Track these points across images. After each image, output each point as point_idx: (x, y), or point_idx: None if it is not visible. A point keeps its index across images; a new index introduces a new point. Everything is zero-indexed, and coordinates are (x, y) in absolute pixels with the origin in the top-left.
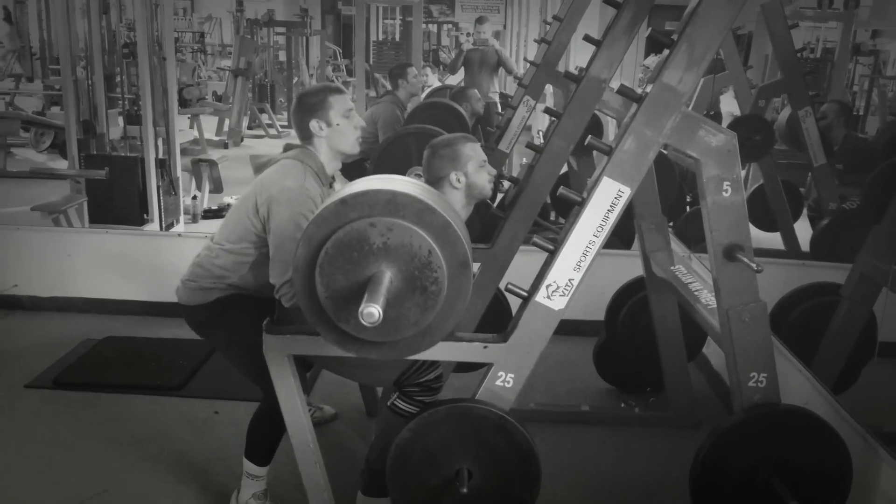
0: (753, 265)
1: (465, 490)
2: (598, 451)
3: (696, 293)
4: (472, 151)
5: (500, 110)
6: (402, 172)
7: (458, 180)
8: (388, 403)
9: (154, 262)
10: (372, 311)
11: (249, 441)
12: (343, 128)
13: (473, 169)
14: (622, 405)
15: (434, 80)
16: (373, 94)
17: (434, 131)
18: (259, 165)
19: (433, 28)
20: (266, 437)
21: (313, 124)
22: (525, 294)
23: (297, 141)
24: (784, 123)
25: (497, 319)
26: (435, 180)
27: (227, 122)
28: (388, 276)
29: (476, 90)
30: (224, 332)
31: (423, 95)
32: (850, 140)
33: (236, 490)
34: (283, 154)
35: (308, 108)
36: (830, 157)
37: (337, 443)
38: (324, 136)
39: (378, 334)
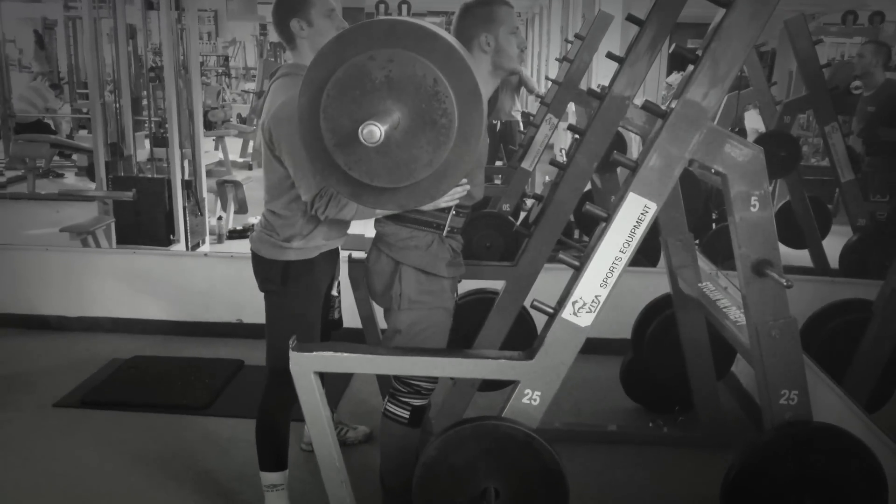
0: (783, 280)
1: None
2: (626, 471)
3: (724, 310)
4: (507, 16)
5: (522, 129)
6: None
7: (488, 44)
8: (383, 410)
9: (180, 282)
10: (372, 128)
11: (259, 449)
12: (325, 28)
13: (504, 34)
14: (650, 424)
15: None
16: None
17: None
18: (259, 104)
19: None
20: (273, 438)
21: (294, 24)
22: (551, 311)
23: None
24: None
25: (523, 337)
26: (464, 41)
27: (251, 143)
28: (394, 112)
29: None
30: (283, 296)
31: None
32: (891, 86)
33: None
34: (273, 77)
35: (288, 7)
36: (857, 173)
37: (363, 462)
38: (305, 36)
39: (392, 179)
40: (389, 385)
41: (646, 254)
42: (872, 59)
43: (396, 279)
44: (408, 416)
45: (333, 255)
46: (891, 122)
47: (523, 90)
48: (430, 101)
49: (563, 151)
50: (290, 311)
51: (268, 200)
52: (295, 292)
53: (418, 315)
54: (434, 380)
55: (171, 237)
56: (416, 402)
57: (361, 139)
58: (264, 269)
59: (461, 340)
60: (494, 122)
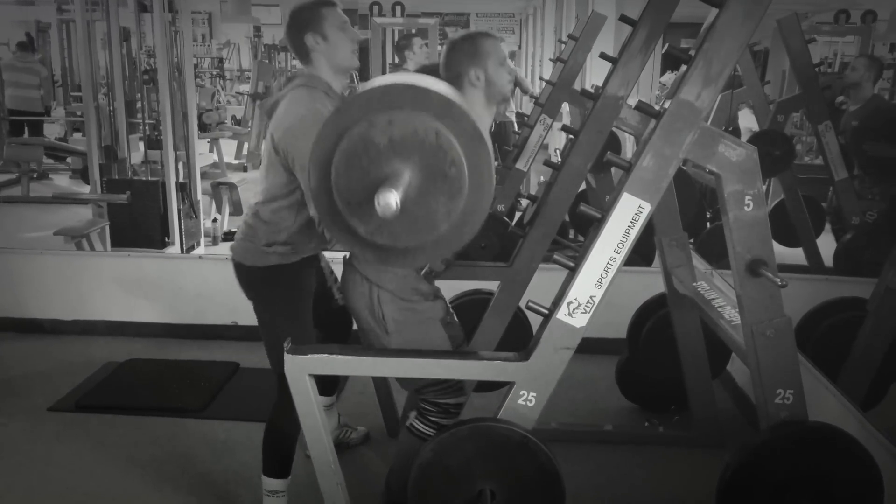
0: (778, 280)
1: None
2: (622, 470)
3: (719, 309)
4: (493, 48)
5: (516, 129)
6: None
7: (478, 77)
8: (407, 424)
9: (175, 284)
10: (388, 199)
11: (265, 455)
12: (339, 40)
13: (493, 66)
14: (646, 424)
15: None
16: None
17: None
18: (269, 106)
19: None
20: (280, 447)
21: (308, 39)
22: (546, 312)
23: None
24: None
25: (518, 338)
26: (453, 77)
27: (245, 145)
28: (405, 172)
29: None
30: (272, 302)
31: None
32: (877, 100)
33: None
34: (289, 86)
35: (301, 23)
36: (852, 171)
37: (358, 463)
38: (321, 50)
39: (415, 237)
40: (414, 402)
41: (641, 253)
42: (865, 72)
43: (375, 300)
44: (432, 435)
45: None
46: (875, 137)
47: (517, 91)
48: (436, 155)
49: (558, 152)
50: (281, 315)
51: (260, 201)
52: (283, 296)
53: (409, 335)
54: (461, 401)
55: (166, 240)
56: (444, 422)
57: (380, 212)
58: (248, 277)
59: None
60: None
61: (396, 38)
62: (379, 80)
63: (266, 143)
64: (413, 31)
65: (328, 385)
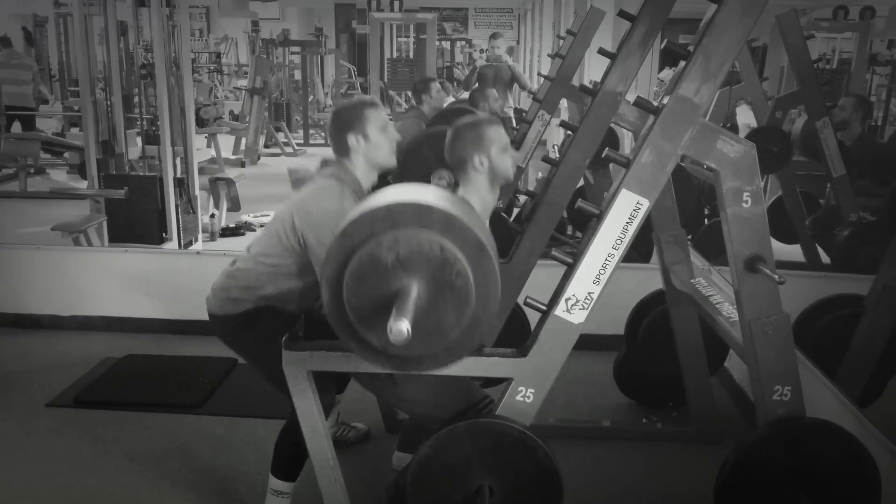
0: (776, 276)
1: None
2: (620, 466)
3: (717, 306)
4: (496, 134)
5: (514, 125)
6: (425, 178)
7: (482, 163)
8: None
9: (173, 280)
10: (401, 326)
11: (276, 456)
12: (380, 141)
13: (497, 153)
14: (644, 420)
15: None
16: (387, 111)
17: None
18: (297, 180)
19: (447, 45)
20: (293, 451)
21: (351, 139)
22: (544, 308)
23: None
24: (798, 133)
25: (516, 334)
26: (458, 163)
27: (243, 140)
28: (413, 288)
29: (493, 90)
30: (253, 343)
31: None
32: (864, 141)
33: None
34: (321, 172)
35: (345, 122)
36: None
37: (356, 460)
38: (361, 150)
39: (427, 346)
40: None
41: (638, 249)
42: (853, 112)
43: None
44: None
45: None
46: (861, 175)
47: (516, 86)
48: (442, 268)
49: (556, 147)
50: (273, 349)
51: (260, 251)
52: (264, 329)
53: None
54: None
55: (164, 235)
56: None
57: (392, 340)
58: (224, 325)
59: None
60: None
61: (415, 81)
62: (382, 198)
63: (282, 215)
64: (429, 77)
65: (341, 382)
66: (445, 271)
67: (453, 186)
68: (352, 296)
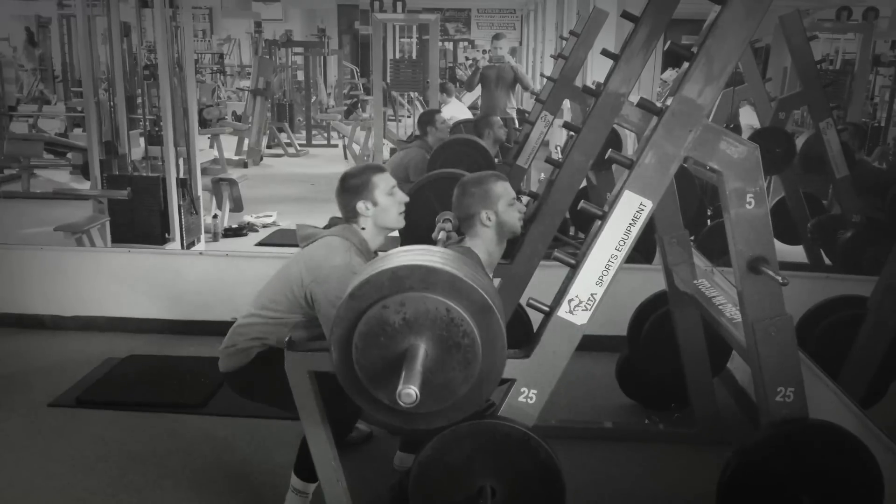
0: (779, 278)
1: None
2: (623, 467)
3: (720, 307)
4: (503, 190)
5: (517, 126)
6: (430, 221)
7: (489, 218)
8: None
9: (175, 280)
10: (409, 392)
11: (300, 457)
12: (388, 205)
13: (504, 207)
14: (646, 421)
15: (453, 101)
16: (390, 111)
17: (455, 174)
18: (305, 237)
19: (449, 46)
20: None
21: (360, 206)
22: (547, 309)
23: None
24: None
25: (518, 335)
26: (465, 218)
27: (246, 141)
28: (420, 349)
29: (498, 117)
30: (269, 382)
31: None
32: (861, 166)
33: None
34: (328, 230)
35: (353, 189)
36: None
37: (358, 461)
38: (370, 215)
39: (436, 403)
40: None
41: (641, 251)
42: (850, 139)
43: None
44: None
45: None
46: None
47: (519, 87)
48: (448, 328)
49: (559, 148)
50: (270, 380)
51: (263, 306)
52: (278, 367)
53: None
54: None
55: (166, 236)
56: None
57: (402, 405)
58: (237, 378)
59: None
60: None
61: (419, 113)
62: (389, 261)
63: (289, 271)
64: (434, 109)
65: None
66: (453, 331)
67: (458, 230)
68: (361, 356)
